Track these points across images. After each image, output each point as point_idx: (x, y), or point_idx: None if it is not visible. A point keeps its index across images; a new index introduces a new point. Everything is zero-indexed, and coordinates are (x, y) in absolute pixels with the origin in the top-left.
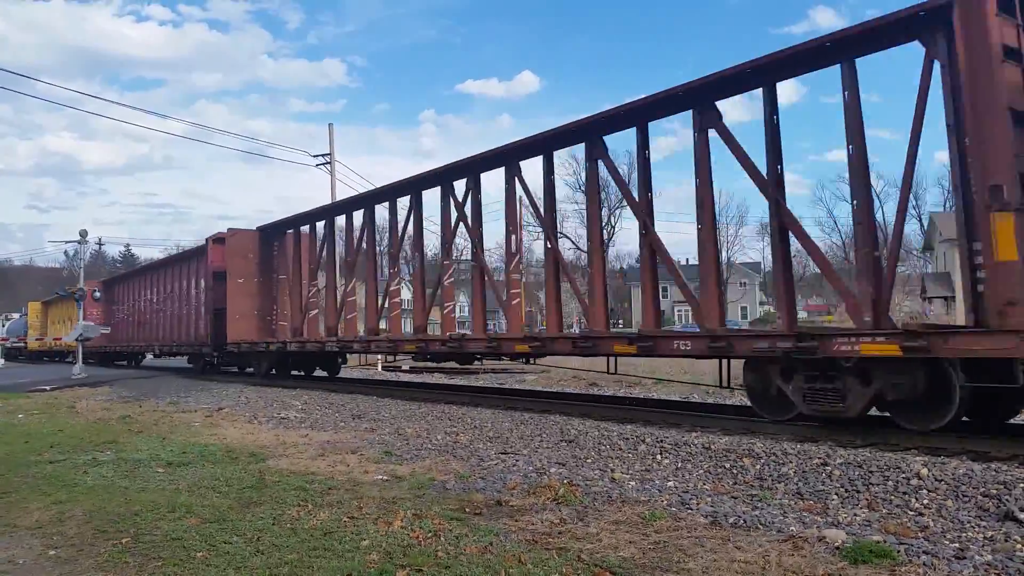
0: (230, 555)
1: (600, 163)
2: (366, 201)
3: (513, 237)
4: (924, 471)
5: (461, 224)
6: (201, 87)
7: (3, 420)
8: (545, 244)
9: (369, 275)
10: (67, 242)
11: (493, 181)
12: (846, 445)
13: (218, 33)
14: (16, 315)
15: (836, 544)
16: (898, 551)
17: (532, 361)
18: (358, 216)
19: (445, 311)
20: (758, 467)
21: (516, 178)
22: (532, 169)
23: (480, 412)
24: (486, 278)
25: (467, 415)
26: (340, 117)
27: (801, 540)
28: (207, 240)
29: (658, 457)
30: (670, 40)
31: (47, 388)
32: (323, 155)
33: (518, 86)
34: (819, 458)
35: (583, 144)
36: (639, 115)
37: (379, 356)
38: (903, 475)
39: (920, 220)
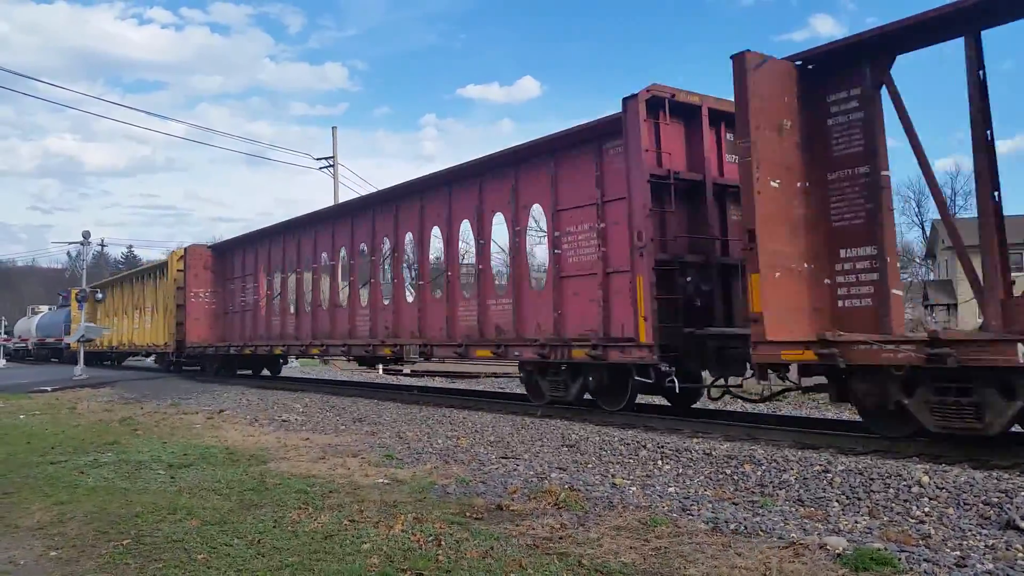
0: (231, 557)
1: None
2: None
3: None
4: (925, 479)
5: None
6: (203, 90)
7: (5, 421)
8: None
9: None
10: (70, 243)
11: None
12: (847, 452)
13: (219, 36)
14: (46, 308)
15: (837, 551)
16: (899, 559)
17: None
18: None
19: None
20: (759, 473)
21: None
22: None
23: (481, 416)
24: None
25: (468, 419)
26: (341, 120)
27: (802, 547)
28: (627, 103)
29: (659, 463)
30: (671, 45)
31: (48, 389)
32: (326, 158)
33: (519, 91)
34: (820, 465)
35: None
36: None
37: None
38: (904, 483)
39: (923, 227)
